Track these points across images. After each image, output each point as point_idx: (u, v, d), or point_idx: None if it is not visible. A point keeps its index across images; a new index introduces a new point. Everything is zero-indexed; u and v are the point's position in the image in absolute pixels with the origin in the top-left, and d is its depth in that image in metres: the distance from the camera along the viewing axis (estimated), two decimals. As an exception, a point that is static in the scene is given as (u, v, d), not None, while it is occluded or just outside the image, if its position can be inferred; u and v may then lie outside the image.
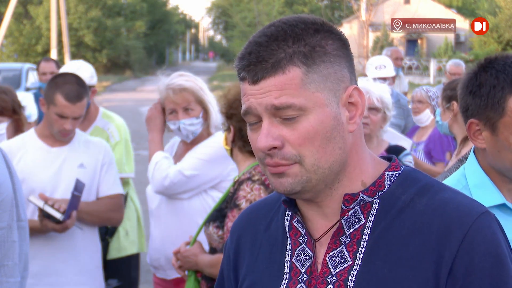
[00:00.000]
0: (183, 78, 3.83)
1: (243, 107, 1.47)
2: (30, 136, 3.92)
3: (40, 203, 3.63)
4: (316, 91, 1.43)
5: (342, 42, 1.48)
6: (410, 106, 6.12)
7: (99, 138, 4.28)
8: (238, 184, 3.04)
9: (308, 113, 1.42)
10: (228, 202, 3.05)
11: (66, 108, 3.75)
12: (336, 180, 1.47)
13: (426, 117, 5.95)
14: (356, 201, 1.47)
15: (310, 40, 1.44)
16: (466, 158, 3.67)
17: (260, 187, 2.98)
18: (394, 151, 3.99)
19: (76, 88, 3.78)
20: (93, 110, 5.13)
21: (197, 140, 3.90)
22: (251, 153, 3.11)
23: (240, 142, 3.12)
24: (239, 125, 3.10)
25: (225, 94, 3.20)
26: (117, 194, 4.01)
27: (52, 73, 6.64)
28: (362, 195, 1.47)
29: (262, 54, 1.43)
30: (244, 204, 2.96)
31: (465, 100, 2.18)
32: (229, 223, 2.97)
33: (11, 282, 3.03)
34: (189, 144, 3.93)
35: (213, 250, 3.12)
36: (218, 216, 3.08)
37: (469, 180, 2.19)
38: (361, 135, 1.52)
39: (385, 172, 1.51)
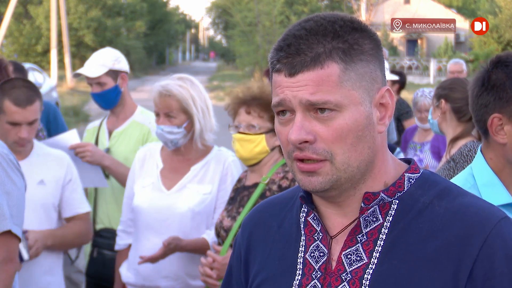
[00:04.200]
0: (176, 83, 3.54)
1: (276, 98, 1.46)
2: None
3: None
4: (352, 89, 1.43)
5: (376, 43, 1.48)
6: (416, 115, 5.98)
7: (60, 151, 3.88)
8: (271, 184, 3.08)
9: (343, 111, 1.42)
10: None
11: (17, 114, 3.50)
12: (361, 180, 1.47)
13: None
14: (376, 200, 1.47)
15: (348, 38, 1.44)
16: (454, 160, 3.64)
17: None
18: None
19: (25, 91, 3.51)
20: (130, 103, 4.49)
21: (189, 152, 3.63)
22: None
23: None
24: None
25: (261, 98, 3.09)
26: (86, 212, 3.77)
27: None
28: (382, 194, 1.47)
29: (302, 47, 1.42)
30: None
31: (483, 97, 2.17)
32: None
33: None
34: (180, 155, 3.64)
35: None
36: None
37: (478, 179, 2.19)
38: (385, 137, 1.52)
39: (405, 174, 1.51)
